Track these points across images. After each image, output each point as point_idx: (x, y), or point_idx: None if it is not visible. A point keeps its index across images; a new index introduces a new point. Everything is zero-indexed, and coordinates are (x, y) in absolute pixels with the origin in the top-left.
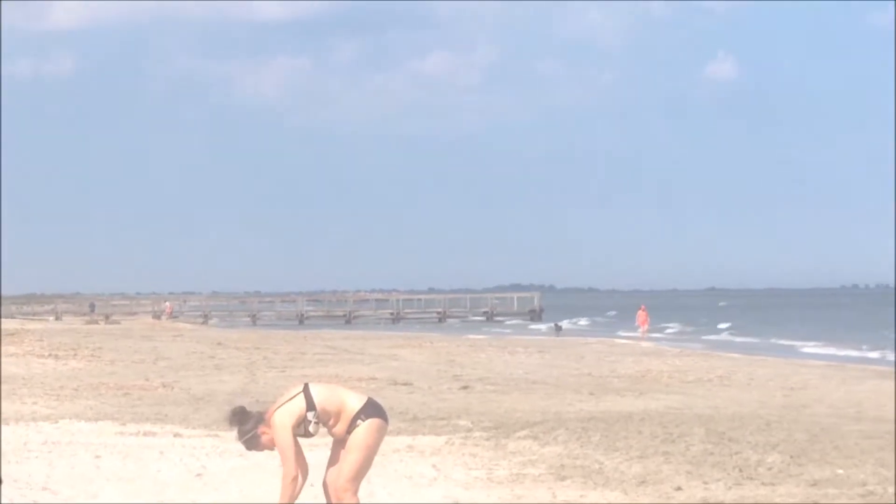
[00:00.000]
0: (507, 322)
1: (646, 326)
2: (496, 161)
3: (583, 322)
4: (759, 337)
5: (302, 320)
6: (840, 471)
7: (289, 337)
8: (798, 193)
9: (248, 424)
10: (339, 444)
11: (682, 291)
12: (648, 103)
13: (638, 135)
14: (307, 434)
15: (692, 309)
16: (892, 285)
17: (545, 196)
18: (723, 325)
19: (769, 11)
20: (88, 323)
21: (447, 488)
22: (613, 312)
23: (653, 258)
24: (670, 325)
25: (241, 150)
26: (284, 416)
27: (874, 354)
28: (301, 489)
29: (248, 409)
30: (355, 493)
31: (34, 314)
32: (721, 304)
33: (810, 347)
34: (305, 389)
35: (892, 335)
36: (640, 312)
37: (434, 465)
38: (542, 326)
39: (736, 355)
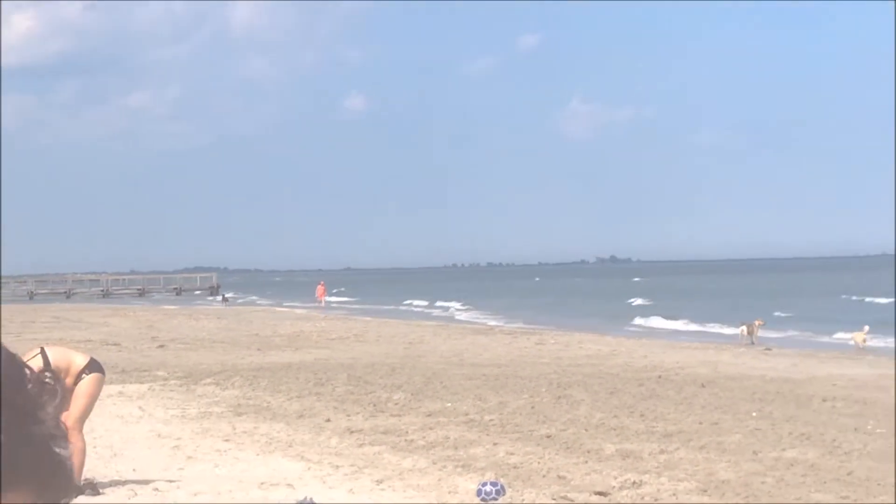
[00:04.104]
0: (196, 294)
1: (324, 298)
2: (186, 174)
3: (252, 297)
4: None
5: (31, 296)
6: (448, 404)
7: (21, 309)
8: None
9: None
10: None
11: (326, 271)
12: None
13: (294, 148)
14: None
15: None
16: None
17: (220, 196)
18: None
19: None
20: None
21: (151, 424)
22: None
23: (299, 243)
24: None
25: None
26: None
27: (466, 314)
28: None
29: None
30: (81, 430)
31: None
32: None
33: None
34: (42, 351)
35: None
36: (319, 287)
37: (140, 407)
38: (218, 298)
39: (368, 318)
